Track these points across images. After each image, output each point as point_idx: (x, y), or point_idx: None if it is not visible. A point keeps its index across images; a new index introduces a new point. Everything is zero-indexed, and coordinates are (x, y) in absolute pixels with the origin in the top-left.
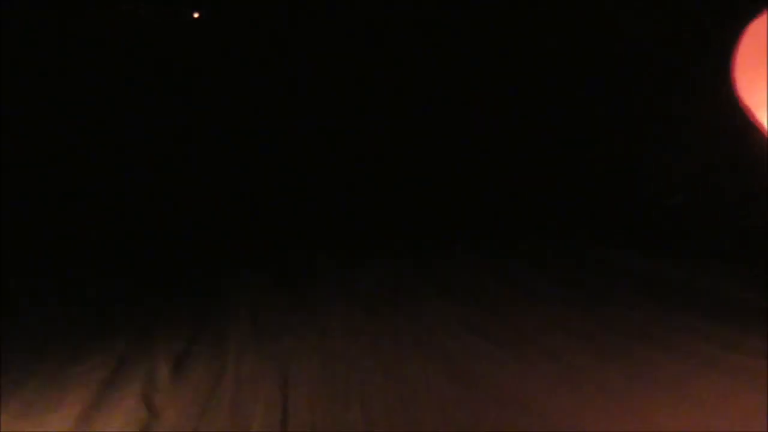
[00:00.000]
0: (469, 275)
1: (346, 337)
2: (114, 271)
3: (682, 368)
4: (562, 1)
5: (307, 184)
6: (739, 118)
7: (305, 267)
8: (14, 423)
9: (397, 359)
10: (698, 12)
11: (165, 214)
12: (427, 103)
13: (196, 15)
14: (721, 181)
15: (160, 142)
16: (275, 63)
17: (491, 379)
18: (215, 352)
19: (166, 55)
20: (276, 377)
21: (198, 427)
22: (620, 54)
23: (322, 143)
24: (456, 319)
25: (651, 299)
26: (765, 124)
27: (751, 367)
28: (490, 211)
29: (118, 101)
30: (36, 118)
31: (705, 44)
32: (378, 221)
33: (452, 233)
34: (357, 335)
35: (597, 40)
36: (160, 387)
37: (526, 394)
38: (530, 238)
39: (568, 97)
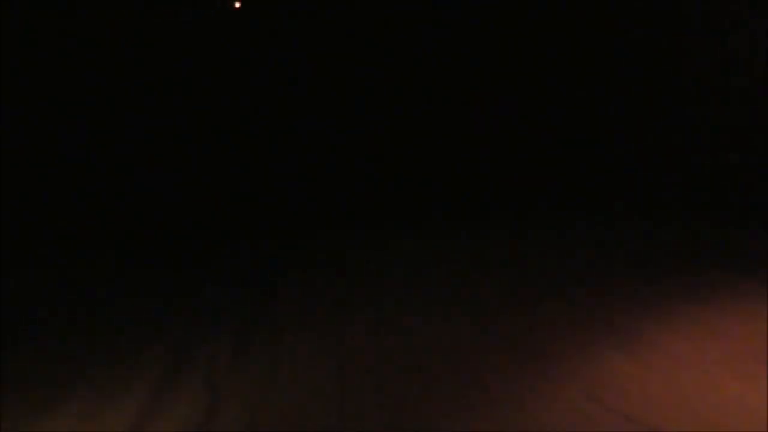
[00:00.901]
0: (501, 247)
1: (397, 307)
2: (163, 268)
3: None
4: None
5: (333, 174)
6: None
7: (346, 248)
8: (88, 407)
9: (448, 327)
10: None
11: (198, 212)
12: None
13: (237, 5)
14: None
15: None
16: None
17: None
18: (271, 334)
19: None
20: (332, 352)
21: (260, 407)
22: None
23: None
24: (492, 283)
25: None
26: None
27: None
28: (518, 185)
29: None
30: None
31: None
32: (408, 203)
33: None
34: (408, 306)
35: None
36: (222, 370)
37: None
38: (565, 207)
39: (617, 64)
